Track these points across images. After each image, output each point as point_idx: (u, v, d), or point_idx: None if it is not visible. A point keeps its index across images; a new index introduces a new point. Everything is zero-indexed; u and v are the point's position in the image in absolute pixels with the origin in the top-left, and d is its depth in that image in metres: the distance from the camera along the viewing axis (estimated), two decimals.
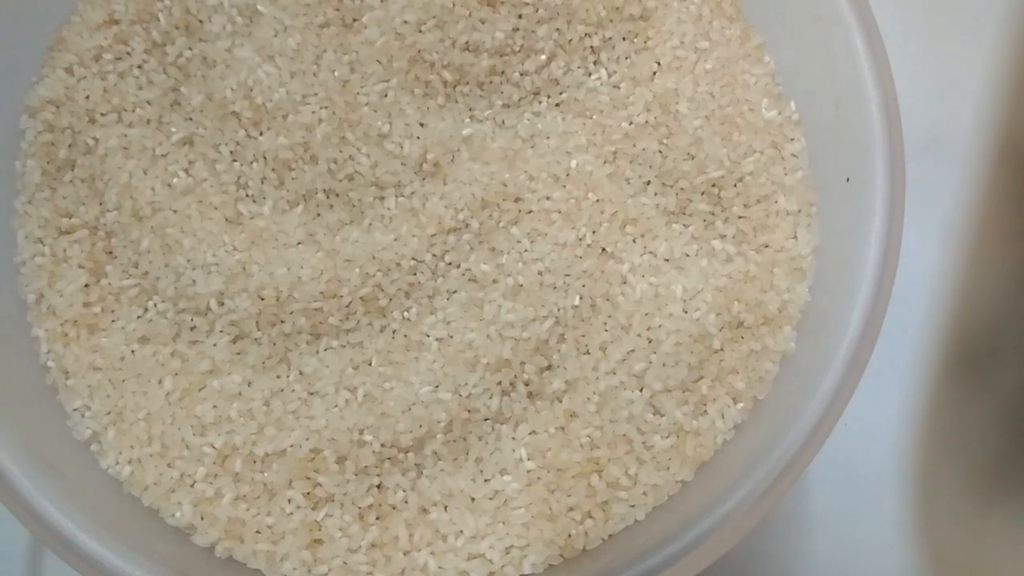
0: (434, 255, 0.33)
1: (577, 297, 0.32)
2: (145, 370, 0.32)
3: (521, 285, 0.32)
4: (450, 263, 0.33)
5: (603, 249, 0.33)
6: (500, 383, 0.31)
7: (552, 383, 0.32)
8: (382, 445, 0.30)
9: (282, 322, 0.32)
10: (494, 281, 0.33)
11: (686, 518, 0.29)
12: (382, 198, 0.33)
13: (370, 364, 0.32)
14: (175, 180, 0.33)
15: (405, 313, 0.32)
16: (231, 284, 0.32)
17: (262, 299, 0.32)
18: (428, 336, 0.32)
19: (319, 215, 0.33)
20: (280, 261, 0.32)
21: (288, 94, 0.33)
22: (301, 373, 0.32)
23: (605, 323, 0.32)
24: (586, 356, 0.32)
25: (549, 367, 0.32)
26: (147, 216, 0.33)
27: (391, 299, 0.32)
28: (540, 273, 0.32)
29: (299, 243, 0.33)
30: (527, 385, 0.31)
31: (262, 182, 0.33)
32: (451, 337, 0.32)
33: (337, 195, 0.33)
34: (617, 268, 0.33)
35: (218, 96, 0.33)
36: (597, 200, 0.33)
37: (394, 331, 0.32)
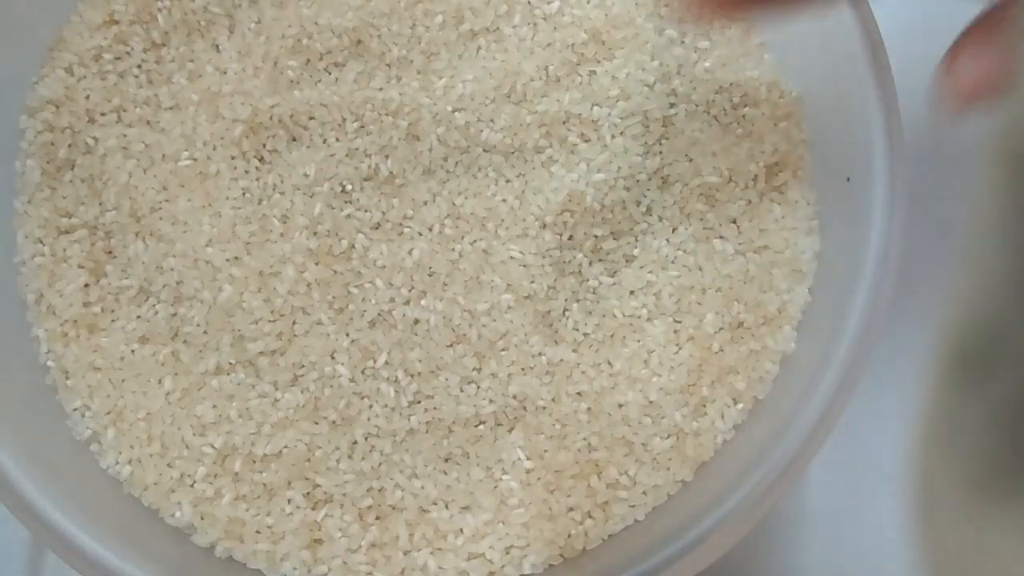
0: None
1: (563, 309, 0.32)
2: (145, 370, 0.32)
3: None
4: None
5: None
6: (491, 400, 0.31)
7: (540, 396, 0.31)
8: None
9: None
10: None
11: (686, 518, 0.29)
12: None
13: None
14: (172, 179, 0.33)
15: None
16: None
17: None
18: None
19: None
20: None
21: None
22: None
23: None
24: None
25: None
26: (144, 216, 0.33)
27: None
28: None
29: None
30: (515, 398, 0.31)
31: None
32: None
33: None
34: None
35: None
36: None
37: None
